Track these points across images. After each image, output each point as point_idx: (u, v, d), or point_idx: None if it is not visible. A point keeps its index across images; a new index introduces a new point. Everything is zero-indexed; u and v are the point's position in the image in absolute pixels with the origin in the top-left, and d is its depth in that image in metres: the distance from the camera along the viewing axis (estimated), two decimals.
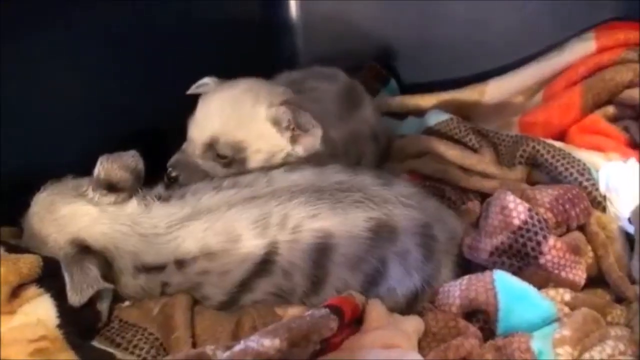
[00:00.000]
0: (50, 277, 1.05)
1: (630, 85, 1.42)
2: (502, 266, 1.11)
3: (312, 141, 1.25)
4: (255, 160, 1.24)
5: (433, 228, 1.14)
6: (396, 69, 1.78)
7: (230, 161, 1.23)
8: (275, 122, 1.24)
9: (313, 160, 1.24)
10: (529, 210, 1.12)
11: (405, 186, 1.19)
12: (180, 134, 1.45)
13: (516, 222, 1.11)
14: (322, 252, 1.09)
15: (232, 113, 1.24)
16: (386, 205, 1.12)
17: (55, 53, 1.27)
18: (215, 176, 1.23)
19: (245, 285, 1.11)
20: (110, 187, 1.14)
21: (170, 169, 1.24)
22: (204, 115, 1.25)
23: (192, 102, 1.55)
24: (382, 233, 1.10)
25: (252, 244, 1.10)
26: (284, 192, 1.13)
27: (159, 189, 1.20)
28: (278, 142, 1.25)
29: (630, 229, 1.17)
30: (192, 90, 1.33)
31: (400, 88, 1.77)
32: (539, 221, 1.11)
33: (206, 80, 1.32)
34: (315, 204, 1.10)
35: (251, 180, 1.18)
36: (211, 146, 1.23)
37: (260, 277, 1.10)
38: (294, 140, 1.25)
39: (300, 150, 1.25)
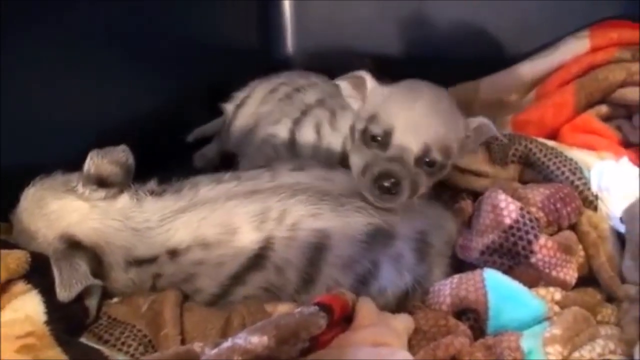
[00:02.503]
0: (38, 273, 1.04)
1: (623, 85, 1.42)
2: (493, 265, 1.11)
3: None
4: (447, 170, 1.20)
5: (430, 235, 1.15)
6: (390, 67, 1.77)
7: (436, 169, 1.16)
8: (473, 136, 1.22)
9: None
10: (521, 209, 1.12)
11: None
12: (172, 131, 1.46)
13: (507, 221, 1.11)
14: (317, 251, 1.10)
15: (445, 119, 1.17)
16: (387, 213, 1.13)
17: (47, 51, 1.27)
18: (419, 185, 1.15)
19: (238, 278, 1.11)
20: (101, 182, 1.14)
21: (389, 182, 1.10)
22: (417, 121, 1.15)
23: (185, 101, 1.56)
24: (378, 238, 1.11)
25: (248, 238, 1.10)
26: (286, 188, 1.13)
27: (152, 184, 1.19)
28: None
29: (622, 229, 1.17)
30: (346, 78, 1.24)
31: None
32: (530, 220, 1.11)
33: (362, 73, 1.23)
34: (317, 204, 1.11)
35: (255, 174, 1.18)
36: (425, 153, 1.14)
37: (254, 271, 1.10)
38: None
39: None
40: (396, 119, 1.14)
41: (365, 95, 1.23)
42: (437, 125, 1.15)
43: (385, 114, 1.16)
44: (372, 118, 1.17)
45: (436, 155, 1.14)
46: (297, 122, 1.40)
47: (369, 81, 1.22)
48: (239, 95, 1.59)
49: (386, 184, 1.10)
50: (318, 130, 1.37)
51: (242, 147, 1.52)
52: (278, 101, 1.51)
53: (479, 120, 1.22)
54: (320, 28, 1.82)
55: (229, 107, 1.59)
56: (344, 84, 1.24)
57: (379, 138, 1.15)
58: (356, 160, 1.18)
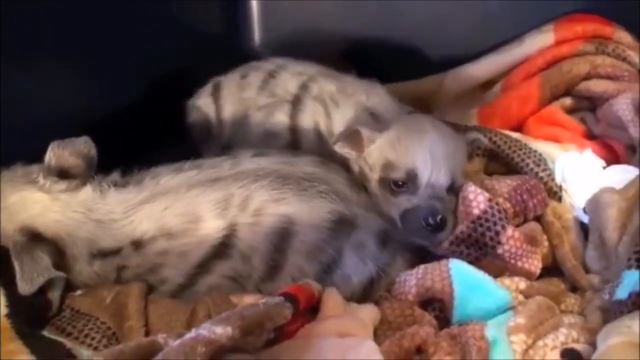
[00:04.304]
0: None
1: (587, 77, 1.43)
2: (460, 255, 1.12)
3: None
4: None
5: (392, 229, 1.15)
6: (358, 60, 1.77)
7: (458, 190, 1.18)
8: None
9: None
10: (489, 200, 1.12)
11: None
12: (138, 122, 1.44)
13: (476, 211, 1.12)
14: (282, 237, 1.09)
15: (453, 143, 1.20)
16: (349, 202, 1.14)
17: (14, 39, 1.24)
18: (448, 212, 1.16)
19: (203, 267, 1.10)
20: (62, 173, 1.12)
21: (436, 219, 1.11)
22: (434, 154, 1.15)
23: (150, 92, 1.54)
24: (342, 225, 1.11)
25: (212, 225, 1.09)
26: (248, 174, 1.13)
27: (115, 175, 1.17)
28: None
29: (585, 219, 1.18)
30: (341, 137, 1.22)
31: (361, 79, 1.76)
32: (499, 211, 1.12)
33: (357, 127, 1.21)
34: (280, 188, 1.11)
35: (216, 162, 1.18)
36: (453, 180, 1.16)
37: (219, 259, 1.10)
38: None
39: None
40: (414, 159, 1.15)
41: (362, 146, 1.22)
42: (451, 151, 1.18)
43: (399, 158, 1.16)
44: (388, 166, 1.17)
45: (460, 179, 1.17)
46: (295, 106, 1.37)
47: (364, 132, 1.21)
48: (206, 89, 1.51)
49: (434, 222, 1.11)
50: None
51: (239, 135, 1.44)
52: (258, 89, 1.43)
53: (474, 135, 1.27)
54: (288, 19, 1.81)
55: (203, 101, 1.50)
56: (339, 145, 1.22)
57: (402, 182, 1.16)
58: (390, 210, 1.17)
